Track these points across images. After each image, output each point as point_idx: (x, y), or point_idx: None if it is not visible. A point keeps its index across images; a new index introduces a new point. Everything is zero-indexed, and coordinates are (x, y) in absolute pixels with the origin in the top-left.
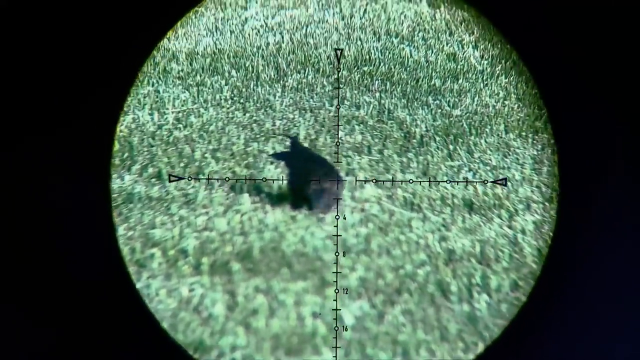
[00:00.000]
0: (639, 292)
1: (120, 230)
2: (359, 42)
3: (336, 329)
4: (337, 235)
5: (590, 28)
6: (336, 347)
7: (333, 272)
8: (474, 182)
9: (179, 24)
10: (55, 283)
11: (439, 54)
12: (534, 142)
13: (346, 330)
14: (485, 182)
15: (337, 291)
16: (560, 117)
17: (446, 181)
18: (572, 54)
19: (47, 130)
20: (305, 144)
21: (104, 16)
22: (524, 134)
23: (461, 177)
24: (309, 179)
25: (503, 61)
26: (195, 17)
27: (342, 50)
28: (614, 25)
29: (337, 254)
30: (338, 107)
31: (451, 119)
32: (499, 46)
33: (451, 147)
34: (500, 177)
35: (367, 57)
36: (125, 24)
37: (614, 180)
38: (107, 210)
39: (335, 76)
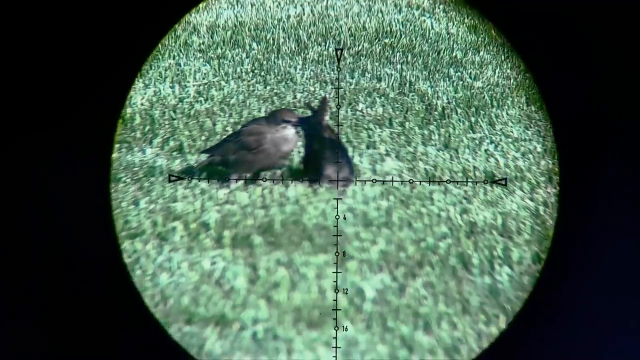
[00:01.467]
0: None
1: (142, 204)
2: (380, 15)
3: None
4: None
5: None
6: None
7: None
8: (475, 182)
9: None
10: (54, 280)
11: (460, 26)
12: None
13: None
14: (486, 182)
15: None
16: (561, 113)
17: (446, 181)
18: (573, 52)
19: (47, 124)
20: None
21: (105, 15)
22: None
23: (482, 149)
24: (319, 160)
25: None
26: None
27: (342, 50)
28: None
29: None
30: (338, 106)
31: (473, 90)
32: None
33: (473, 119)
34: (522, 151)
35: (388, 29)
36: (131, 14)
37: (615, 172)
38: (107, 206)
39: (338, 77)
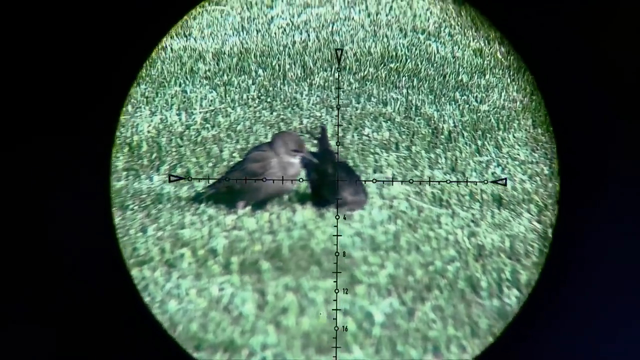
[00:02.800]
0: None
1: (150, 231)
2: (385, 39)
3: (336, 329)
4: (337, 235)
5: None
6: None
7: (358, 271)
8: (475, 181)
9: (184, 24)
10: (55, 284)
11: (465, 50)
12: None
13: (346, 330)
14: (486, 182)
15: (337, 291)
16: (561, 116)
17: (446, 181)
18: (574, 52)
19: (48, 130)
20: (332, 142)
21: (103, 17)
22: (552, 128)
23: (489, 172)
24: (332, 181)
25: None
26: (222, 17)
27: (342, 50)
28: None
29: (337, 253)
30: (338, 106)
31: (479, 114)
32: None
33: (479, 142)
34: (529, 173)
35: (394, 53)
36: (125, 25)
37: (615, 177)
38: (107, 211)
39: (338, 75)
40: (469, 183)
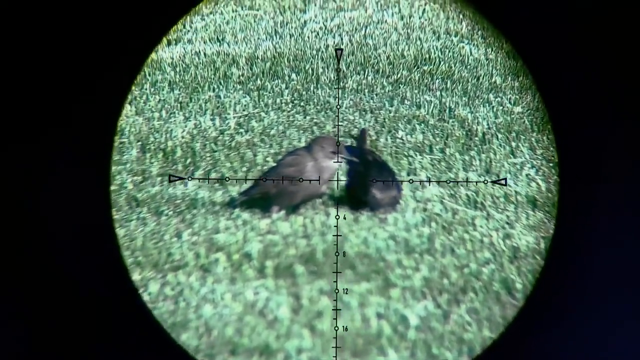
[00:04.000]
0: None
1: (185, 236)
2: (418, 42)
3: (336, 328)
4: (337, 235)
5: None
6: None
7: (397, 273)
8: (474, 181)
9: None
10: (54, 283)
11: (498, 52)
12: None
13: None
14: (485, 182)
15: (336, 291)
16: (561, 114)
17: (446, 181)
18: (574, 53)
19: (47, 129)
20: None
21: (104, 15)
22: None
23: (524, 174)
24: (366, 182)
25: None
26: (255, 21)
27: (342, 50)
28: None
29: (337, 253)
30: (338, 106)
31: (513, 116)
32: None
33: (513, 144)
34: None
35: (427, 56)
36: (126, 23)
37: (614, 176)
38: (107, 210)
39: (338, 77)
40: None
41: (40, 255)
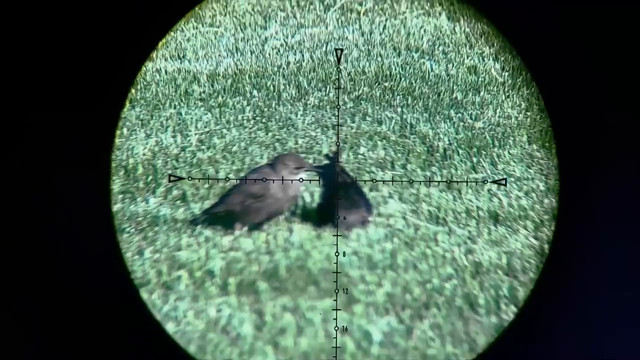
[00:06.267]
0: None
1: (147, 254)
2: (379, 58)
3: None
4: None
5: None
6: None
7: (353, 288)
8: (473, 182)
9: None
10: (55, 284)
11: (459, 67)
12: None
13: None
14: (485, 181)
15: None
16: (560, 113)
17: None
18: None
19: (47, 131)
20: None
21: (101, 23)
22: (547, 144)
23: (485, 189)
24: (333, 202)
25: (524, 72)
26: (215, 38)
27: (342, 50)
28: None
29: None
30: (338, 107)
31: (474, 131)
32: (519, 57)
33: (475, 159)
34: (525, 189)
35: (388, 72)
36: (120, 31)
37: (614, 177)
38: (108, 212)
39: (338, 76)
40: (464, 198)
41: (40, 253)
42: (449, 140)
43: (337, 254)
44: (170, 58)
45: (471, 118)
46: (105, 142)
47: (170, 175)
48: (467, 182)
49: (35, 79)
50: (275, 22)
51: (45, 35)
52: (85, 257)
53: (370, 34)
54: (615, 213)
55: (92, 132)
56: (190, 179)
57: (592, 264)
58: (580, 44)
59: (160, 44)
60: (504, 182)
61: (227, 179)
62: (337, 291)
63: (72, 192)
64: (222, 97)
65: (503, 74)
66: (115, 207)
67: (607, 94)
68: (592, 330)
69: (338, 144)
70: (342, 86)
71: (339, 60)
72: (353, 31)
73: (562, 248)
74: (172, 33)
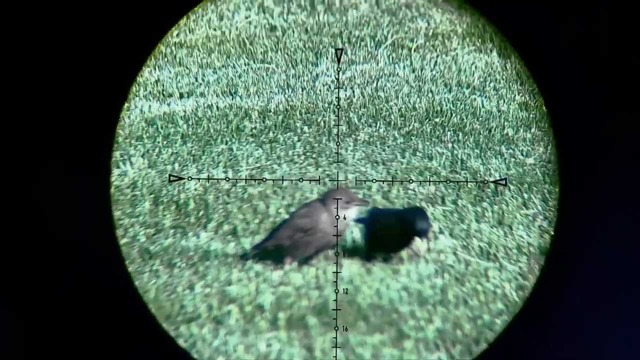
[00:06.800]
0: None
1: (197, 288)
2: (430, 94)
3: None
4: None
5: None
6: None
7: (409, 324)
8: (473, 182)
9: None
10: (55, 284)
11: (510, 104)
12: None
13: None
14: (486, 181)
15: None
16: (562, 116)
17: (446, 181)
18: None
19: (47, 132)
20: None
21: (101, 23)
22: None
23: (536, 225)
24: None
25: None
26: (267, 75)
27: (342, 49)
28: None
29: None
30: (338, 106)
31: (525, 167)
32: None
33: (525, 195)
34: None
35: (439, 108)
36: (120, 32)
37: (614, 178)
38: (108, 213)
39: (338, 76)
40: (515, 234)
41: (39, 253)
42: (499, 176)
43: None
44: (222, 94)
45: (522, 154)
46: (105, 142)
47: (170, 175)
48: (467, 181)
49: (35, 79)
50: (326, 58)
51: (45, 35)
52: (85, 257)
53: (421, 70)
54: (616, 213)
55: (92, 132)
56: (190, 179)
57: (592, 264)
58: (581, 44)
59: (212, 79)
60: (503, 182)
61: (227, 179)
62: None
63: (72, 191)
64: (273, 132)
65: None
66: (167, 242)
67: (607, 94)
68: (592, 330)
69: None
70: (391, 121)
71: (339, 60)
72: (404, 67)
73: (562, 248)
74: (221, 70)
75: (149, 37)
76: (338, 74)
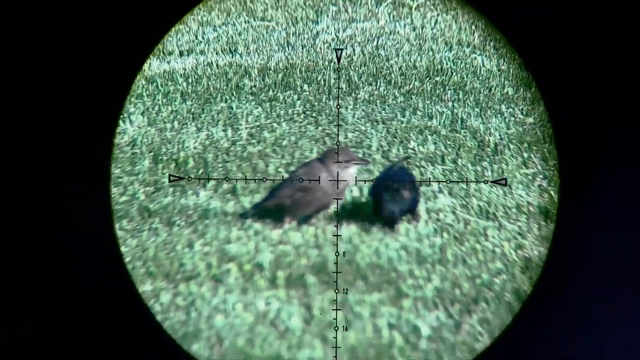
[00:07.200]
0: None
1: (197, 246)
2: (430, 53)
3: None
4: (337, 235)
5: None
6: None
7: (408, 284)
8: (473, 181)
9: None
10: (55, 285)
11: (511, 63)
12: None
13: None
14: (486, 181)
15: (337, 291)
16: (561, 112)
17: (446, 181)
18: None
19: (48, 132)
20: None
21: (104, 17)
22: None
23: (536, 184)
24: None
25: None
26: (267, 33)
27: (342, 50)
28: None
29: (337, 253)
30: (338, 106)
31: (525, 127)
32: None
33: (525, 155)
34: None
35: (439, 67)
36: (125, 26)
37: (614, 176)
38: (108, 213)
39: (338, 76)
40: (514, 194)
41: (39, 253)
42: (500, 136)
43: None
44: (222, 52)
45: (522, 113)
46: (105, 142)
47: (170, 175)
48: (466, 181)
49: (35, 80)
50: (327, 16)
51: (44, 35)
52: (85, 258)
53: (422, 29)
54: (616, 213)
55: (92, 132)
56: (190, 179)
57: (592, 264)
58: (580, 44)
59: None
60: (503, 182)
61: (227, 179)
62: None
63: (72, 191)
64: (273, 91)
65: None
66: (166, 200)
67: (608, 94)
68: (592, 330)
69: (338, 143)
70: (392, 80)
71: (339, 60)
72: (405, 25)
73: (562, 248)
74: (221, 28)
75: (148, 38)
76: (338, 73)
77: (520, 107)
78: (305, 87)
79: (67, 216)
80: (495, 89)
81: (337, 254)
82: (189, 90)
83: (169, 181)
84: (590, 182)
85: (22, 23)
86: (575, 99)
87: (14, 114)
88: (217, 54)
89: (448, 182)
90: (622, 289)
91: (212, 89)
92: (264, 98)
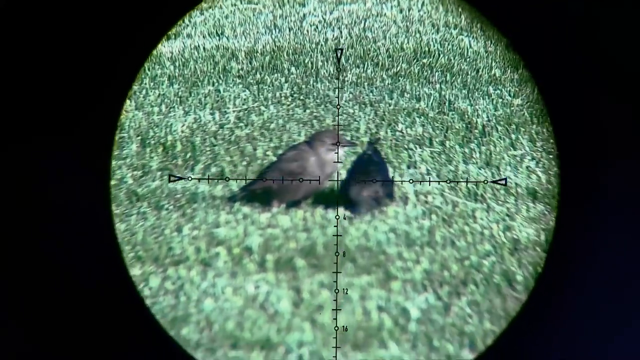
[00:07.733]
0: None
1: (185, 230)
2: (417, 35)
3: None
4: (337, 236)
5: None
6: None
7: (398, 266)
8: (473, 181)
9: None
10: (56, 284)
11: (498, 44)
12: None
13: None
14: (486, 181)
15: (337, 291)
16: (560, 110)
17: (446, 181)
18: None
19: (48, 130)
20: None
21: (104, 16)
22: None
23: (524, 166)
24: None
25: None
26: (254, 15)
27: (342, 50)
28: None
29: (337, 253)
30: (338, 106)
31: (512, 108)
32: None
33: (513, 136)
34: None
35: (426, 49)
36: (125, 24)
37: (615, 176)
38: (107, 210)
39: (338, 76)
40: (502, 175)
41: (39, 251)
42: (487, 117)
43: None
44: (209, 35)
45: (510, 95)
46: (105, 141)
47: (170, 175)
48: (466, 181)
49: (35, 80)
50: None
51: (44, 35)
52: (85, 258)
53: (409, 11)
54: (616, 213)
55: (92, 132)
56: (190, 179)
57: (592, 264)
58: (580, 44)
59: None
60: (503, 182)
61: (227, 179)
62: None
63: (72, 191)
64: (260, 74)
65: None
66: (154, 184)
67: (608, 93)
68: (592, 330)
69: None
70: (379, 62)
71: (338, 60)
72: (391, 7)
73: (562, 248)
74: (208, 11)
75: (148, 38)
76: (338, 75)
77: (508, 89)
78: (293, 69)
79: (66, 217)
80: (482, 71)
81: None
82: (176, 74)
83: (169, 181)
84: (589, 183)
85: (22, 23)
86: (575, 97)
87: (14, 114)
88: (204, 37)
89: (448, 182)
90: (622, 289)
91: (199, 72)
92: (251, 81)
